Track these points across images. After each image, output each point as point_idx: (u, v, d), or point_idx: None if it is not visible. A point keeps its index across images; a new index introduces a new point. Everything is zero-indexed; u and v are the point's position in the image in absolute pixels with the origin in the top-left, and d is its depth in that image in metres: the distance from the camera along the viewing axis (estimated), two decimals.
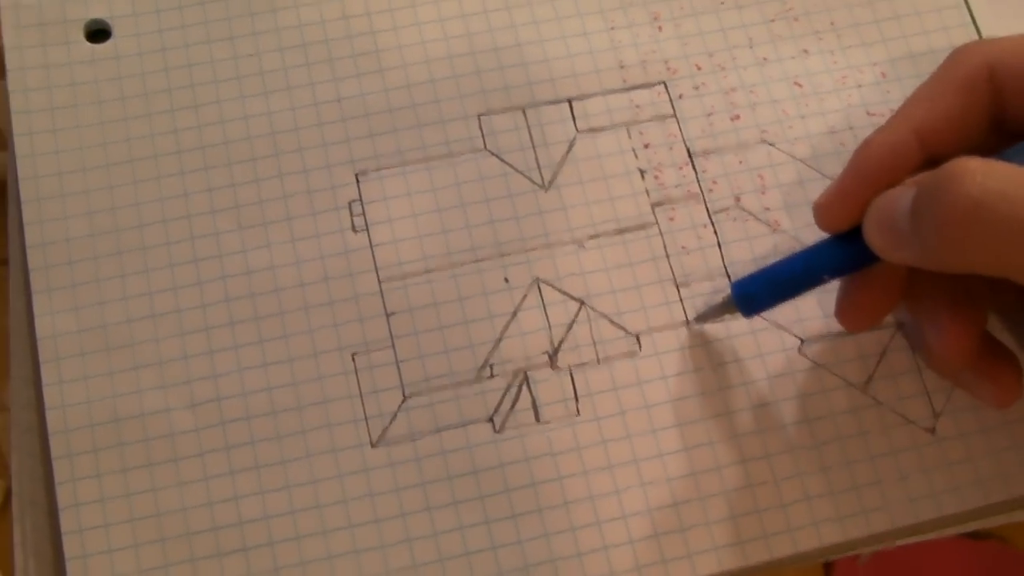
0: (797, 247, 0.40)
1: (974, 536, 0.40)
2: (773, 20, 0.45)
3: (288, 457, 0.38)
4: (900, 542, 0.39)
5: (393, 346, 0.40)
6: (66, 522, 0.37)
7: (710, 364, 0.40)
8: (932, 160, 0.34)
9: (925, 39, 0.45)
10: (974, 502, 0.39)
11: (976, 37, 0.45)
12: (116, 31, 0.44)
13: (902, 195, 0.32)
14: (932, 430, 0.39)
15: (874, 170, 0.35)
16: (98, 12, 0.44)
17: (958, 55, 0.35)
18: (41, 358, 0.39)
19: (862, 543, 0.38)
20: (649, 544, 0.38)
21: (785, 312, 0.40)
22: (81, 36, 0.43)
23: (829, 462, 0.39)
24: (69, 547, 0.37)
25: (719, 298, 0.39)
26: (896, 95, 0.44)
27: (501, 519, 0.38)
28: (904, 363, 0.40)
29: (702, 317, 0.40)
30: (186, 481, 0.38)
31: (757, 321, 0.40)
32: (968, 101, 0.34)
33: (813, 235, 0.39)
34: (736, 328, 0.40)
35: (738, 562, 0.38)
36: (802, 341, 0.40)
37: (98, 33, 0.44)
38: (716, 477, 0.38)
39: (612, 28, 0.44)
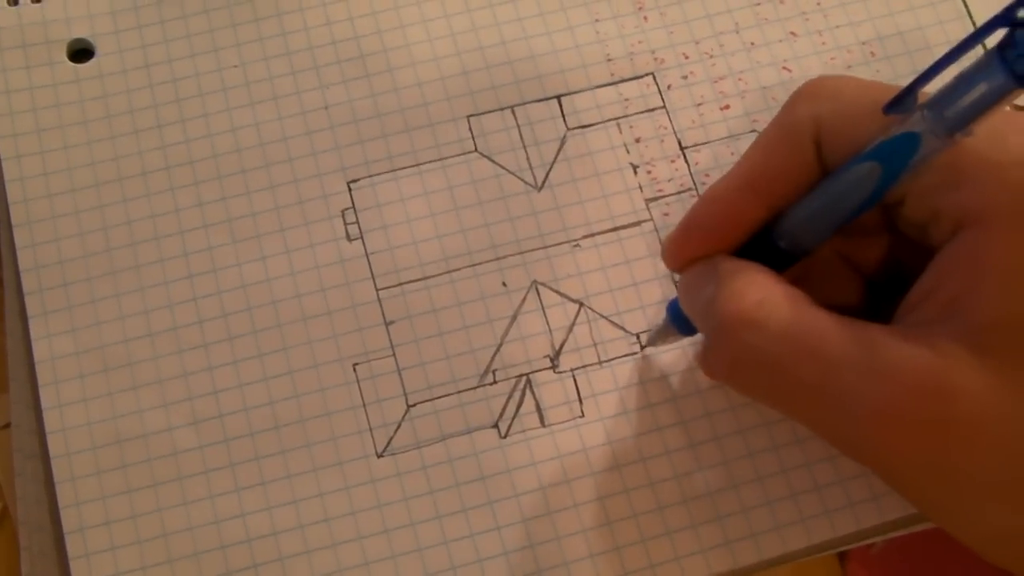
0: None
1: None
2: (759, 3, 0.44)
3: (294, 471, 0.38)
4: (914, 528, 0.38)
5: (394, 354, 0.40)
6: (72, 547, 0.37)
7: None
8: (771, 207, 0.33)
9: (913, 16, 0.44)
10: None
11: (964, 12, 0.44)
12: (99, 49, 0.43)
13: (706, 286, 0.33)
14: None
15: (710, 222, 0.34)
16: (80, 31, 0.43)
17: (791, 103, 0.34)
18: (40, 381, 0.39)
19: (876, 531, 0.38)
20: (661, 542, 0.37)
21: None
22: (64, 56, 0.43)
23: (836, 450, 0.38)
24: (76, 572, 0.37)
25: (659, 321, 0.38)
26: (886, 75, 0.43)
27: (511, 524, 0.38)
28: None
29: (650, 342, 0.39)
30: (192, 500, 0.38)
31: None
32: (795, 153, 0.33)
33: None
34: None
35: (751, 557, 0.37)
36: None
37: (81, 53, 0.43)
38: (724, 472, 0.38)
39: (597, 20, 0.44)
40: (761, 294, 0.31)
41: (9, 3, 0.43)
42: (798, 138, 0.33)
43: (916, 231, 0.32)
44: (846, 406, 0.29)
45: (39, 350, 0.39)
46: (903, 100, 0.30)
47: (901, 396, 0.29)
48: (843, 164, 0.31)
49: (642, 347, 0.40)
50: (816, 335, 0.30)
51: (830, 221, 0.32)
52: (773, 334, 0.30)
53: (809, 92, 0.33)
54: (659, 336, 0.39)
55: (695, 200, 0.39)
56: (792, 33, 0.44)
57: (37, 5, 0.43)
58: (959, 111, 0.28)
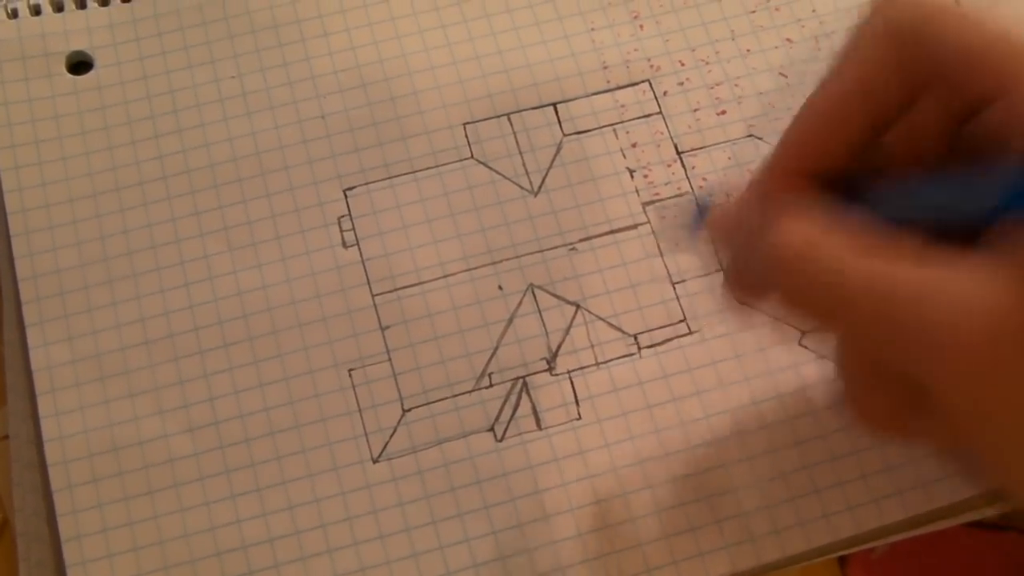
0: None
1: (992, 528, 0.39)
2: (754, 11, 0.45)
3: (289, 477, 0.38)
4: (915, 532, 0.38)
5: (390, 359, 0.39)
6: (69, 554, 0.37)
7: (710, 361, 0.39)
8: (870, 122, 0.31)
9: None
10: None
11: None
12: (97, 62, 0.43)
13: (749, 218, 0.31)
14: None
15: (814, 139, 0.31)
16: (79, 44, 0.43)
17: (866, 20, 0.31)
18: (37, 390, 0.39)
19: (876, 534, 0.38)
20: (659, 546, 0.37)
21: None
22: (63, 68, 0.43)
23: (837, 452, 0.38)
24: None
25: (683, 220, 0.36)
26: None
27: (507, 528, 0.37)
28: None
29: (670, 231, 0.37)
30: (188, 507, 0.38)
31: (756, 316, 0.40)
32: (883, 59, 0.30)
33: None
34: (736, 323, 0.40)
35: (750, 561, 0.37)
36: (803, 333, 0.40)
37: (80, 65, 0.44)
38: (723, 475, 0.38)
39: (592, 29, 0.44)
40: (819, 227, 0.29)
41: (8, 16, 0.44)
42: (882, 43, 0.30)
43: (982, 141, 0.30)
44: (913, 340, 0.27)
45: (36, 359, 0.39)
46: None
47: (976, 335, 0.26)
48: (971, 171, 0.29)
49: (689, 227, 0.38)
50: (882, 273, 0.27)
51: (930, 213, 0.29)
52: (832, 269, 0.28)
53: (882, 5, 0.30)
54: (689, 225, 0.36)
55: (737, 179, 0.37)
56: (788, 39, 0.44)
57: (36, 18, 0.44)
58: None
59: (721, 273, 0.40)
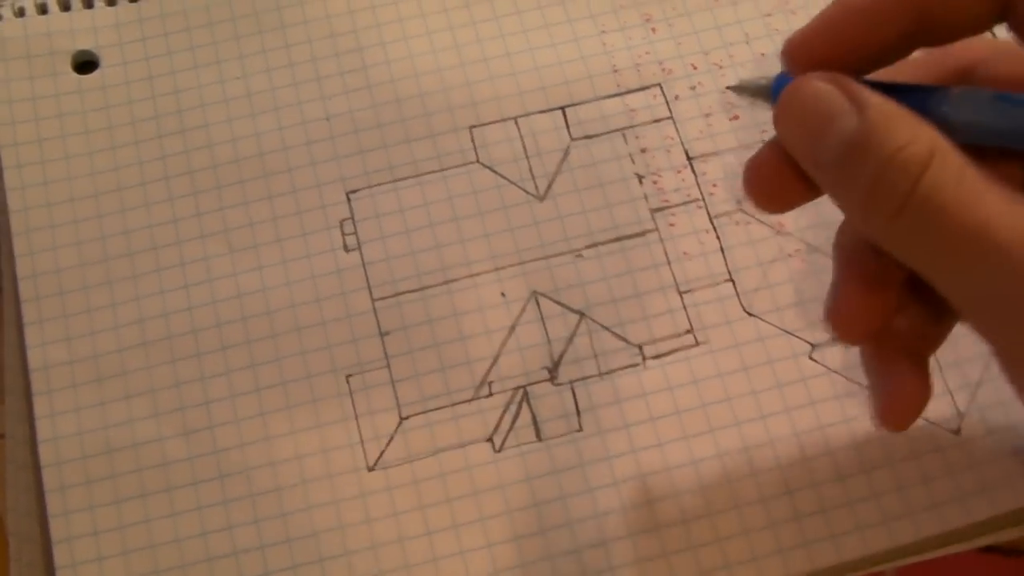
0: (803, 249, 0.39)
1: (1007, 553, 0.38)
2: (770, 15, 0.44)
3: (283, 484, 0.37)
4: (926, 556, 0.37)
5: (388, 366, 0.39)
6: (60, 556, 0.37)
7: (717, 373, 0.38)
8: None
9: None
10: (1005, 505, 0.37)
11: None
12: (103, 61, 0.43)
13: (843, 117, 0.26)
14: (957, 431, 0.38)
15: (848, 18, 0.28)
16: (85, 43, 0.43)
17: None
18: (33, 390, 0.39)
19: (885, 557, 0.36)
20: (658, 564, 0.36)
21: (794, 317, 0.39)
22: (68, 67, 0.43)
23: (845, 471, 0.37)
24: None
25: (762, 81, 0.31)
26: None
27: (503, 542, 0.36)
28: None
29: (738, 88, 0.32)
30: (180, 511, 0.37)
31: (765, 328, 0.39)
32: None
33: (821, 236, 0.37)
34: (744, 335, 0.39)
35: None
36: (812, 346, 0.39)
37: (85, 64, 0.43)
38: (727, 491, 0.37)
39: (603, 32, 0.43)
40: (931, 141, 0.25)
41: (15, 14, 0.43)
42: None
43: None
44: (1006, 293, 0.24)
45: (34, 358, 0.39)
46: None
47: None
48: None
49: (728, 87, 0.34)
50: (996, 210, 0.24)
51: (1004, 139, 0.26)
52: (950, 192, 0.24)
53: None
54: (750, 90, 0.32)
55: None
56: None
57: (43, 16, 0.43)
58: None
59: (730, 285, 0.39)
